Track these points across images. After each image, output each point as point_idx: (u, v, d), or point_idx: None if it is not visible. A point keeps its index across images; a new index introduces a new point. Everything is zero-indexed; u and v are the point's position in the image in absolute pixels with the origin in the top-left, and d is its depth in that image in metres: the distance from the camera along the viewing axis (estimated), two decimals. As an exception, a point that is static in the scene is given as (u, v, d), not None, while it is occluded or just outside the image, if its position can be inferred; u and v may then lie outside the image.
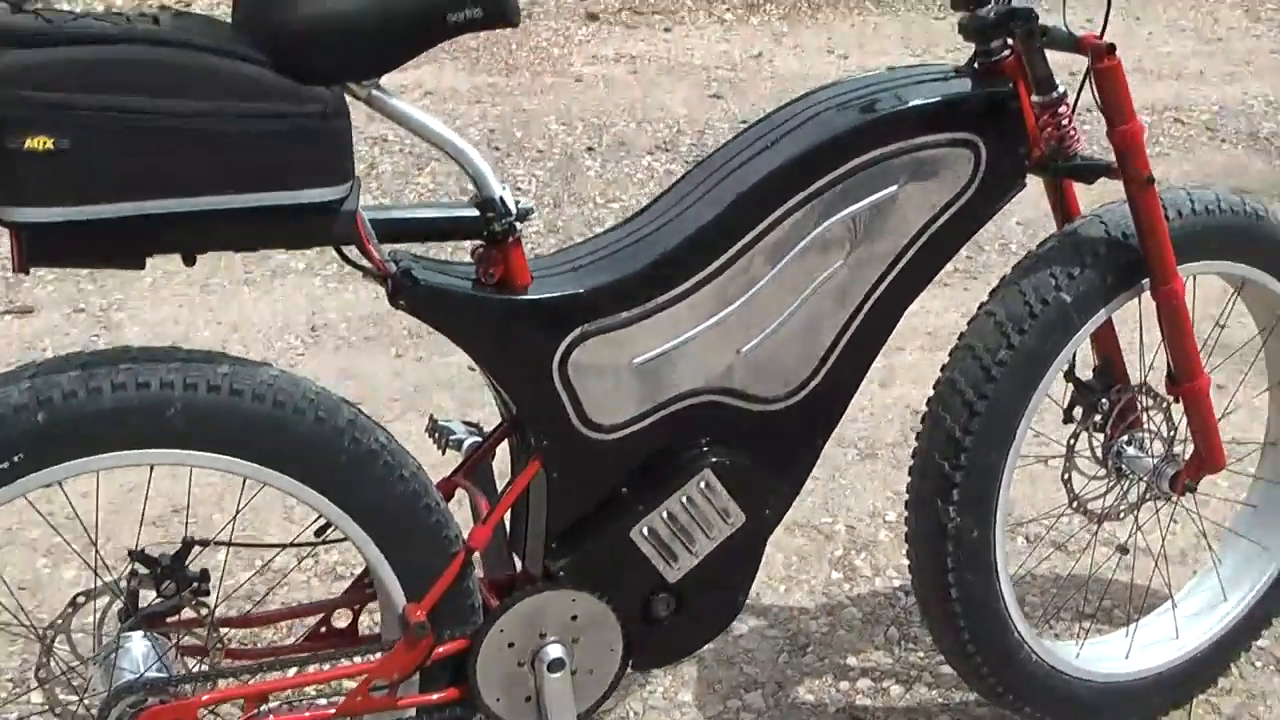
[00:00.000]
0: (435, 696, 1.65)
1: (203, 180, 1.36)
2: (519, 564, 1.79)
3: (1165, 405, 2.02)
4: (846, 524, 2.60)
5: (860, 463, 2.78)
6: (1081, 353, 1.90)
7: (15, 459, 1.41)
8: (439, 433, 1.82)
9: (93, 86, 1.29)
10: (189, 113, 1.33)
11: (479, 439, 1.77)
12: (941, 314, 3.37)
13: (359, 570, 1.82)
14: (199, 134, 1.34)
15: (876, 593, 2.41)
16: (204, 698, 1.56)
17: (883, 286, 1.73)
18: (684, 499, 1.68)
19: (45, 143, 1.29)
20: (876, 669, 2.22)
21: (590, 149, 4.48)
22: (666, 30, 6.02)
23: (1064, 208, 1.93)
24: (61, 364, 1.45)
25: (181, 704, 1.53)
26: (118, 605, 1.60)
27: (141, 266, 1.43)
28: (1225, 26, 6.58)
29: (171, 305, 3.33)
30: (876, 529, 2.58)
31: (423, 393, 3.04)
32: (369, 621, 1.84)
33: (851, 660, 2.24)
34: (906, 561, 2.48)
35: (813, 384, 1.73)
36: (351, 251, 1.54)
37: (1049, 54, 1.77)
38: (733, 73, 5.44)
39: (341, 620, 1.75)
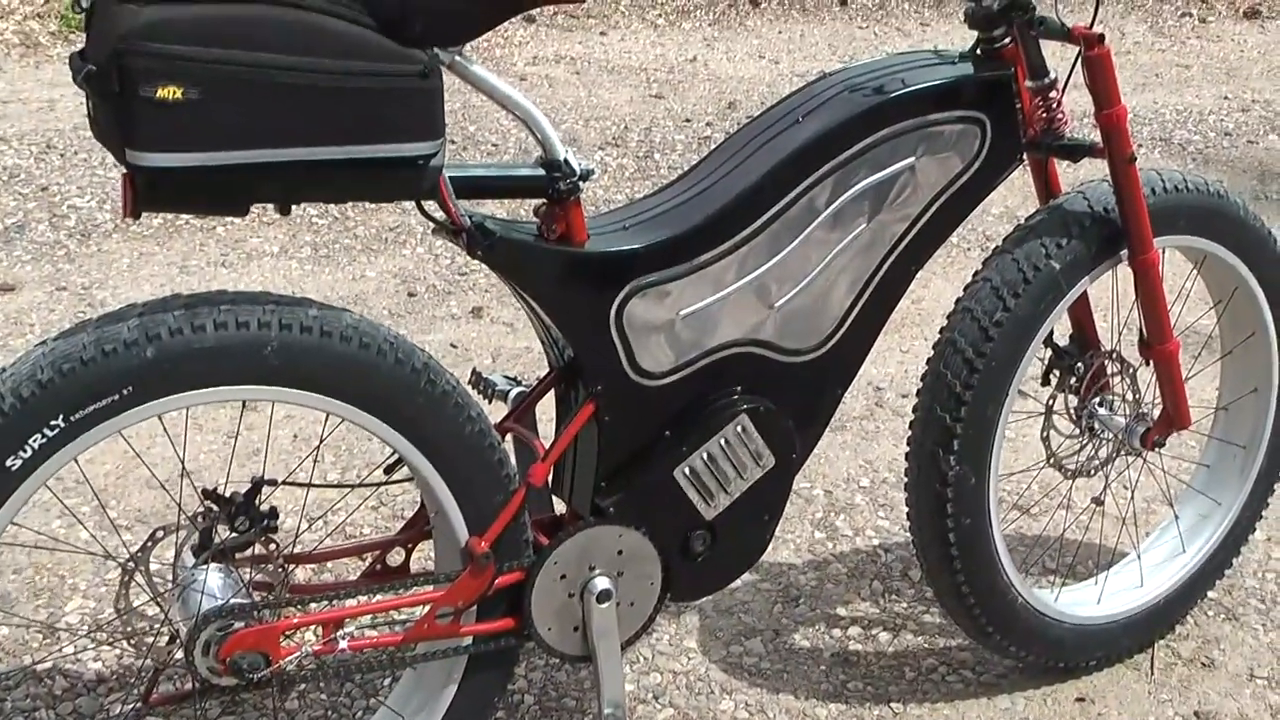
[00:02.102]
0: (492, 625, 1.77)
1: (312, 132, 1.47)
2: (557, 506, 1.91)
3: (1133, 370, 2.20)
4: (824, 489, 2.75)
5: (831, 434, 2.93)
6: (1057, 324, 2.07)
7: (124, 392, 1.50)
8: (483, 384, 1.94)
9: (222, 41, 1.40)
10: (306, 68, 1.44)
11: (524, 389, 1.90)
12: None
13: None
14: (312, 89, 1.45)
15: (858, 550, 2.56)
16: (286, 623, 1.66)
17: (898, 250, 1.89)
18: (722, 441, 1.82)
19: (176, 92, 1.39)
20: (864, 618, 2.38)
21: (542, 144, 4.59)
22: (603, 34, 6.16)
23: (1047, 185, 2.11)
24: (164, 304, 1.55)
25: (265, 628, 1.63)
26: (192, 541, 1.70)
27: (244, 214, 1.53)
28: (1131, 41, 6.89)
29: (151, 284, 3.39)
30: (853, 493, 2.74)
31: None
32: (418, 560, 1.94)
33: (841, 610, 2.39)
34: (883, 523, 2.66)
35: (836, 338, 1.88)
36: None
37: (1041, 43, 1.95)
38: (670, 74, 5.60)
39: (395, 558, 1.86)
